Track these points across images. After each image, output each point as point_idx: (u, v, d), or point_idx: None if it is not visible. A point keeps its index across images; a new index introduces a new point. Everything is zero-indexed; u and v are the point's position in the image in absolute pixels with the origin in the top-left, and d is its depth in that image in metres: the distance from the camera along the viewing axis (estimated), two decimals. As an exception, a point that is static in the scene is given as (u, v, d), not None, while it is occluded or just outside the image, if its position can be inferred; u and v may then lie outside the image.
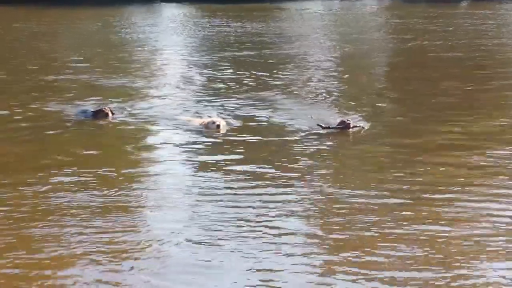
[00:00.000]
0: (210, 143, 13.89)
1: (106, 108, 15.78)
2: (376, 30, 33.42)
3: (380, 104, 17.32)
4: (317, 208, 10.28)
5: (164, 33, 31.81)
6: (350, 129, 14.16)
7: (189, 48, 27.71)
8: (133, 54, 26.01)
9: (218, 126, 14.34)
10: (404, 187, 11.06)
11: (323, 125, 14.19)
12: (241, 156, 12.93)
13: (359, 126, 14.43)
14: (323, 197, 10.70)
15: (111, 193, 10.95)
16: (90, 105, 16.65)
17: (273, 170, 11.95)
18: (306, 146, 13.52)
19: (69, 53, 26.56)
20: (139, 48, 27.54)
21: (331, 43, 28.77)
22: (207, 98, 18.09)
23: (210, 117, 15.26)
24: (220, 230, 9.48)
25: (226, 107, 16.76)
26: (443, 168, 11.99)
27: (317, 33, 32.36)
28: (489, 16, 37.41)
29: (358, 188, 11.00)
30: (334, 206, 10.32)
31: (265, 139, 14.06)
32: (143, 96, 18.28)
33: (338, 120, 14.46)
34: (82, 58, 24.87)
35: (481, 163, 12.28)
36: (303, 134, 14.24)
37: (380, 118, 15.78)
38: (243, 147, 13.52)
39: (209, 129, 14.47)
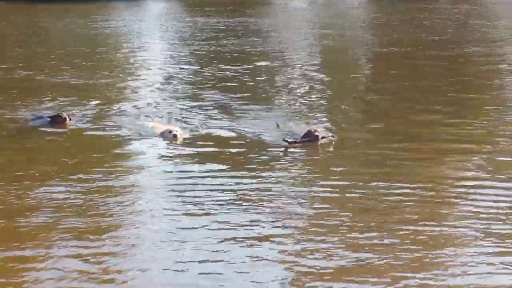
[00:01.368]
0: (165, 154, 12.76)
1: (64, 113, 14.74)
2: (356, 26, 31.89)
3: (352, 109, 16.08)
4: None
5: (144, 30, 30.06)
6: (319, 141, 12.74)
7: (167, 46, 26.10)
8: (107, 52, 24.48)
9: (175, 135, 13.23)
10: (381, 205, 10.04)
11: (290, 140, 12.80)
12: (195, 168, 11.80)
13: (328, 136, 13.03)
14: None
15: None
16: (47, 110, 15.55)
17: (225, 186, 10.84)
18: (267, 160, 12.22)
19: (37, 51, 25.02)
20: (114, 46, 26.10)
21: (309, 40, 27.34)
22: (175, 101, 16.92)
23: (168, 124, 14.31)
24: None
25: (193, 111, 15.70)
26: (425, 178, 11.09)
27: (298, 28, 30.94)
28: (470, 11, 35.92)
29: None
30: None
31: (224, 151, 12.84)
32: (108, 98, 17.08)
33: (305, 131, 13.07)
34: (52, 57, 23.50)
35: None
36: (265, 148, 12.89)
37: (352, 125, 14.58)
38: (198, 158, 12.39)
39: (165, 138, 13.37)
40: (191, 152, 12.72)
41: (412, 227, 9.25)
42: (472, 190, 10.58)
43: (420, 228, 9.24)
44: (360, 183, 10.80)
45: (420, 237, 8.98)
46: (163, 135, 13.44)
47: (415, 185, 10.74)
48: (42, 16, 34.49)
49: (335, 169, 11.64)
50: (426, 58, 22.69)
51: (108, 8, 38.10)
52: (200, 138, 13.55)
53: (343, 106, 16.11)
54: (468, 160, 11.99)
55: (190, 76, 19.93)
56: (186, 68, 21.10)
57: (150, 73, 20.41)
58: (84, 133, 14.16)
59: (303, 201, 10.18)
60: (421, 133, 13.72)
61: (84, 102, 16.47)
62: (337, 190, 10.60)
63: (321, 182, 10.94)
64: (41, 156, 12.82)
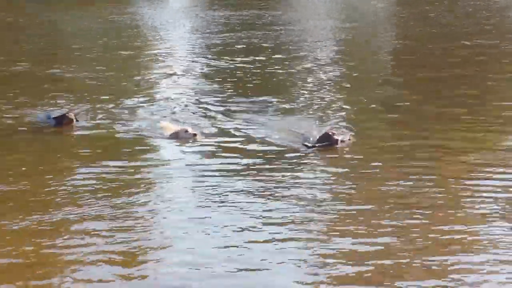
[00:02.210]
0: (175, 154, 12.09)
1: (70, 113, 13.96)
2: (376, 19, 30.67)
3: (371, 107, 14.97)
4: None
5: (161, 24, 29.07)
6: (338, 145, 11.88)
7: (183, 39, 25.12)
8: (120, 48, 23.29)
9: (195, 135, 12.54)
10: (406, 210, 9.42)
11: (309, 144, 11.93)
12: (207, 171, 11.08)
13: (347, 139, 12.08)
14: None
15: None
16: (53, 110, 14.69)
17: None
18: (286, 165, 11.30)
19: (46, 46, 24.09)
20: (127, 40, 24.94)
21: (327, 33, 26.03)
22: (190, 98, 15.99)
23: (183, 125, 13.43)
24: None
25: (207, 110, 14.83)
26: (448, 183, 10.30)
27: (317, 20, 29.69)
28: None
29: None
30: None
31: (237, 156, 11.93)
32: (120, 95, 16.15)
33: (322, 133, 12.18)
34: (57, 52, 22.56)
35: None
36: (284, 152, 11.95)
37: (372, 125, 13.55)
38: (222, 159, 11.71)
39: (181, 138, 12.61)
40: (199, 152, 12.07)
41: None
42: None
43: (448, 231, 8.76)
44: (382, 187, 10.11)
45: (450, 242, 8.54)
46: (177, 135, 12.68)
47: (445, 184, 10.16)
48: (58, 10, 33.44)
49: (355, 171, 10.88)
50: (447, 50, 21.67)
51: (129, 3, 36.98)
52: (211, 140, 12.72)
53: (361, 104, 15.18)
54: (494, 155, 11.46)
55: (206, 71, 19.01)
56: (202, 63, 20.12)
57: (164, 68, 19.49)
58: (90, 134, 13.43)
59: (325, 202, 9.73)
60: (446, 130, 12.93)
61: (94, 99, 15.71)
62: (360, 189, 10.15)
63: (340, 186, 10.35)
64: (48, 157, 12.12)
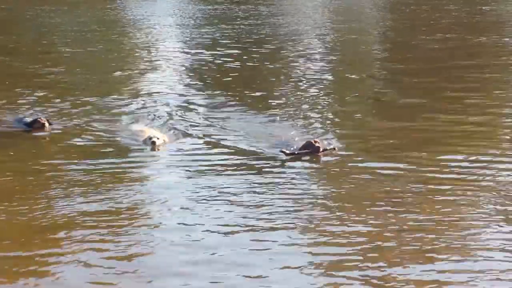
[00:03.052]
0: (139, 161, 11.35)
1: (42, 118, 13.17)
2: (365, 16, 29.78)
3: (360, 114, 14.06)
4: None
5: (147, 19, 28.14)
6: (320, 153, 10.99)
7: (167, 37, 24.11)
8: (100, 43, 22.39)
9: (153, 143, 11.74)
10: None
11: (287, 151, 11.05)
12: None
13: (331, 148, 11.26)
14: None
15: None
16: (25, 113, 13.88)
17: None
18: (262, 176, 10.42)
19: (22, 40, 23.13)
20: (108, 36, 24.08)
21: (317, 30, 25.15)
22: (171, 100, 15.10)
23: (158, 128, 12.79)
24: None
25: (188, 112, 14.04)
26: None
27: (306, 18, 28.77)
28: None
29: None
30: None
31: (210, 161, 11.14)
32: (96, 97, 15.24)
33: (304, 142, 11.32)
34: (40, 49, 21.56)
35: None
36: (259, 159, 11.11)
37: (358, 131, 12.72)
38: (179, 167, 10.92)
39: (146, 145, 11.88)
40: (171, 160, 11.32)
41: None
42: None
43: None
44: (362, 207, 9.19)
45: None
46: (144, 141, 11.95)
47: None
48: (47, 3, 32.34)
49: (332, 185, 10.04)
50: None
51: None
52: (187, 145, 11.99)
53: (351, 110, 14.27)
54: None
55: (190, 67, 18.35)
56: (186, 59, 19.48)
57: (147, 65, 18.81)
58: (65, 140, 12.57)
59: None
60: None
61: (70, 99, 14.93)
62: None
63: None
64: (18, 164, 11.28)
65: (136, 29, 25.46)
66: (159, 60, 19.39)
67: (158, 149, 11.64)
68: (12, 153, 11.76)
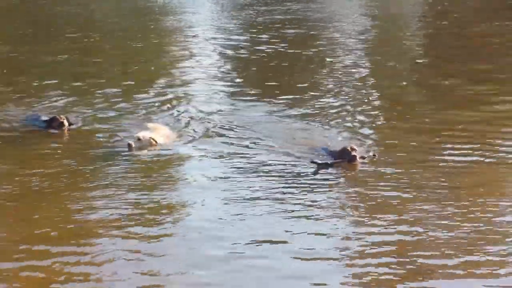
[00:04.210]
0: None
1: (61, 116, 12.27)
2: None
3: (403, 119, 12.56)
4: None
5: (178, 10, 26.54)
6: (357, 162, 9.77)
7: (202, 34, 22.35)
8: (123, 37, 21.05)
9: (129, 145, 10.88)
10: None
11: (319, 161, 9.85)
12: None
13: (369, 156, 9.97)
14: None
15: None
16: (43, 111, 12.95)
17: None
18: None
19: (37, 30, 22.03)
20: (136, 29, 22.54)
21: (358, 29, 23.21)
22: (196, 96, 14.02)
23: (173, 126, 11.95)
24: None
25: (213, 112, 12.87)
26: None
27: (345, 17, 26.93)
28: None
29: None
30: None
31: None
32: (122, 91, 14.35)
33: (338, 148, 10.12)
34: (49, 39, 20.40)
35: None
36: (288, 170, 9.91)
37: (401, 139, 11.24)
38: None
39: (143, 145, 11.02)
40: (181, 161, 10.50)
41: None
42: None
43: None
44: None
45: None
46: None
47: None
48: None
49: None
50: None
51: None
52: (204, 146, 10.97)
53: (393, 108, 12.98)
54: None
55: (221, 69, 16.76)
56: (214, 55, 18.03)
57: (171, 60, 17.62)
58: (81, 137, 11.75)
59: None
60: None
61: (89, 96, 13.98)
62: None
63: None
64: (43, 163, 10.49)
65: (166, 15, 24.29)
66: (191, 50, 18.33)
67: (132, 152, 10.70)
68: (34, 151, 11.02)
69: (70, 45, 19.12)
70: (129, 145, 10.80)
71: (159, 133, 11.25)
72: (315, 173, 9.62)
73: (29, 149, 11.14)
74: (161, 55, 18.15)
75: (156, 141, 10.93)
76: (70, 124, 12.08)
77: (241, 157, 10.35)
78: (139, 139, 10.90)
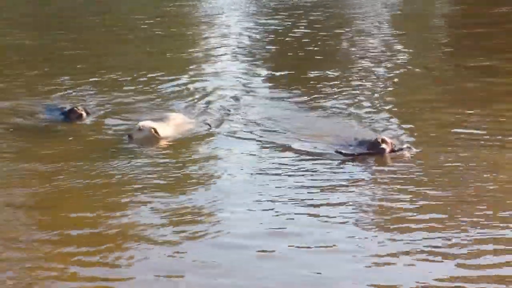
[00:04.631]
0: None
1: (79, 107, 11.77)
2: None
3: (432, 99, 11.92)
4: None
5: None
6: (388, 155, 8.95)
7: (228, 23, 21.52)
8: (151, 27, 20.35)
9: (130, 136, 10.35)
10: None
11: (344, 151, 9.06)
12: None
13: (404, 148, 9.12)
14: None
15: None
16: (63, 102, 12.40)
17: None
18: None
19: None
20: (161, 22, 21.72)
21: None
22: (220, 86, 13.31)
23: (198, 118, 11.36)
24: None
25: (236, 102, 12.30)
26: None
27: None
28: None
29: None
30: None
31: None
32: (138, 87, 13.55)
33: (368, 139, 9.36)
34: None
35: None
36: (311, 159, 9.17)
37: (437, 130, 10.36)
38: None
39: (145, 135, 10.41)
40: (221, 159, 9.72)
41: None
42: None
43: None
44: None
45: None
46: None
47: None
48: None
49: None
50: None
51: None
52: (237, 144, 10.15)
53: (426, 99, 12.06)
54: None
55: (246, 57, 16.05)
56: (243, 46, 17.20)
57: (199, 49, 16.90)
58: (102, 132, 11.11)
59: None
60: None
61: (110, 85, 13.46)
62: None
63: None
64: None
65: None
66: (216, 45, 17.56)
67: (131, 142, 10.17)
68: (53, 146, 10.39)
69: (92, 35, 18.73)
70: (129, 136, 10.28)
71: (172, 123, 10.64)
72: (339, 165, 8.89)
73: (47, 144, 10.46)
74: (186, 44, 17.50)
75: (157, 132, 10.28)
76: (88, 114, 11.56)
77: (267, 151, 9.69)
78: (139, 129, 10.29)
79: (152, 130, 10.27)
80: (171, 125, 10.59)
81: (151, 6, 24.04)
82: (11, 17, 22.49)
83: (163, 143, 10.21)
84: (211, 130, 10.63)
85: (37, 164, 9.47)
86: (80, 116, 11.42)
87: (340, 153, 9.02)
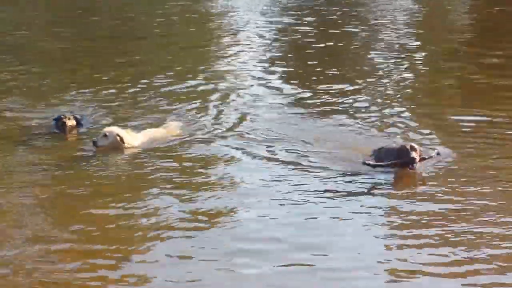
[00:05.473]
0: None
1: (66, 114, 10.72)
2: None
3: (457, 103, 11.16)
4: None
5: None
6: (416, 165, 8.07)
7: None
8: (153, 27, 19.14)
9: (94, 143, 9.59)
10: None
11: (371, 163, 8.17)
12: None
13: (432, 156, 8.23)
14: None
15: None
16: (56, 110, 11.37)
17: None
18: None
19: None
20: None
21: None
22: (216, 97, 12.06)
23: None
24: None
25: (250, 107, 11.30)
26: None
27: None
28: None
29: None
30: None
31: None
32: (148, 85, 12.68)
33: (397, 145, 8.45)
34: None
35: None
36: (335, 173, 8.23)
37: (463, 133, 9.53)
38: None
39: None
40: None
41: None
42: None
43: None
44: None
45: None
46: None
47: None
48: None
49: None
50: None
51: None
52: (247, 160, 9.15)
53: (452, 103, 11.16)
54: None
55: (260, 57, 14.98)
56: (255, 51, 15.76)
57: (216, 53, 15.76)
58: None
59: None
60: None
61: (105, 92, 12.38)
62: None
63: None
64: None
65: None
66: (230, 37, 16.80)
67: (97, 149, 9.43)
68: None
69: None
70: (94, 142, 9.57)
71: (151, 132, 9.86)
72: (368, 176, 8.02)
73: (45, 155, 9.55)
74: (199, 45, 16.29)
75: (122, 139, 9.45)
76: (78, 123, 10.49)
77: (282, 162, 8.77)
78: (105, 135, 9.53)
79: (117, 137, 9.46)
80: (144, 134, 9.75)
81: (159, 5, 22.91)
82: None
83: (130, 151, 9.38)
84: (220, 134, 9.81)
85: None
86: (63, 124, 10.30)
87: (368, 164, 8.10)
